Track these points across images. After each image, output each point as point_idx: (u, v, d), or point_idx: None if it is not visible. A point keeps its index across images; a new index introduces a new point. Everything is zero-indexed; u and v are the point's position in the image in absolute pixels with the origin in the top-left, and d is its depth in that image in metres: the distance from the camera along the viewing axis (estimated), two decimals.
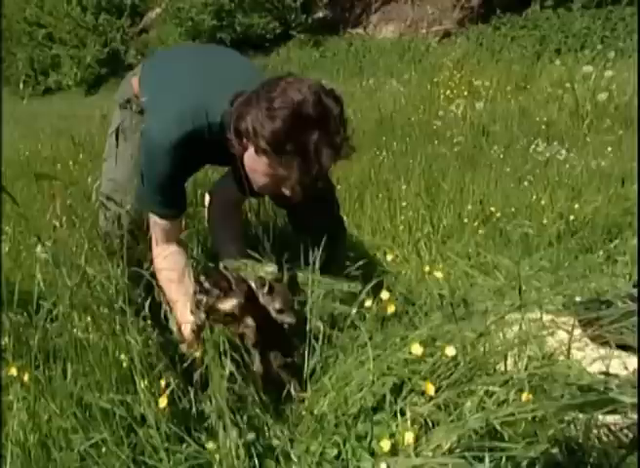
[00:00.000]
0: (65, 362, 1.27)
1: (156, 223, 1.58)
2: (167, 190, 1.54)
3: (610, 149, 4.02)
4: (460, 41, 10.11)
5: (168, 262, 1.57)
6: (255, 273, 1.51)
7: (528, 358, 1.13)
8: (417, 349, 1.17)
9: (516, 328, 1.20)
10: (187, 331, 1.45)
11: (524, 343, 1.14)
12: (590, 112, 4.75)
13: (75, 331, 1.31)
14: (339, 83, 8.61)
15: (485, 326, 1.16)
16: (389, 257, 1.48)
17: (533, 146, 4.26)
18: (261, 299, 1.41)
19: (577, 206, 2.72)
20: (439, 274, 1.41)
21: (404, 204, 2.69)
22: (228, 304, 1.35)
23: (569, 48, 7.30)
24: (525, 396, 1.07)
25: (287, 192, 1.43)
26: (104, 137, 1.91)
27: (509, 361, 1.20)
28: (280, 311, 1.41)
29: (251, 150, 1.39)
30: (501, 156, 4.02)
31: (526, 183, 3.27)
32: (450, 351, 1.14)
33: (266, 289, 1.41)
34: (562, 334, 1.29)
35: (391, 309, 1.35)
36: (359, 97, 6.62)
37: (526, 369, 1.09)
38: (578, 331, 1.27)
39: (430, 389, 1.11)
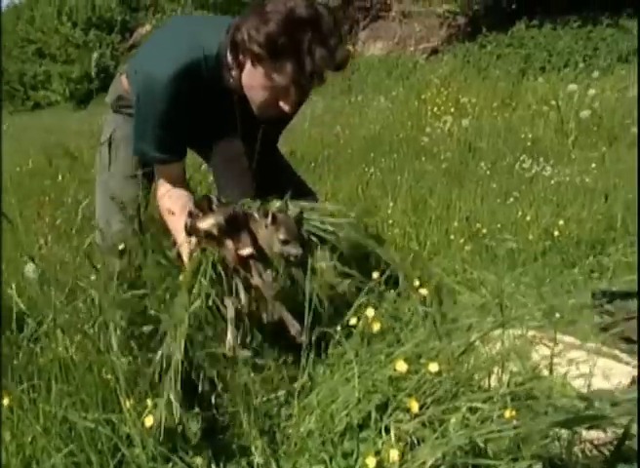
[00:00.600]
0: (50, 381, 1.26)
1: (158, 169, 1.64)
2: (165, 132, 1.55)
3: (594, 165, 4.08)
4: (447, 58, 10.25)
5: (170, 197, 1.62)
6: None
7: (511, 373, 1.14)
8: (401, 366, 1.18)
9: (501, 343, 1.21)
10: (185, 256, 1.49)
11: (506, 359, 1.15)
12: (574, 129, 4.83)
13: (60, 349, 1.30)
14: (327, 99, 8.70)
15: (468, 342, 1.18)
16: (375, 275, 1.49)
17: (519, 163, 4.32)
18: (264, 231, 1.41)
19: (561, 222, 2.75)
20: (424, 290, 1.43)
21: (390, 221, 2.71)
22: (206, 223, 1.39)
23: (553, 66, 7.43)
24: (508, 412, 1.08)
25: (285, 107, 1.47)
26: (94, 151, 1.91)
27: (494, 377, 1.22)
28: (285, 242, 1.39)
29: (247, 66, 1.45)
30: (488, 172, 4.06)
31: (512, 199, 3.31)
32: (433, 367, 1.15)
33: (270, 219, 1.40)
34: (547, 350, 1.30)
35: (376, 327, 1.36)
36: (347, 114, 6.68)
37: (508, 385, 1.10)
38: (560, 346, 1.28)
39: (414, 406, 1.12)
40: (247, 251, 1.40)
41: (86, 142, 5.46)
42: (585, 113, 4.90)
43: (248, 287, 1.44)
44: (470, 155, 4.66)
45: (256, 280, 1.43)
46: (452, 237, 2.57)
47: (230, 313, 1.42)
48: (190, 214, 1.44)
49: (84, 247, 1.75)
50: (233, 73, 1.50)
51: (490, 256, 2.37)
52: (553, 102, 5.21)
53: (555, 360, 1.25)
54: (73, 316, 1.38)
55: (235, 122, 1.63)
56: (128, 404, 1.20)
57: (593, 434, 1.18)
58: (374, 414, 1.20)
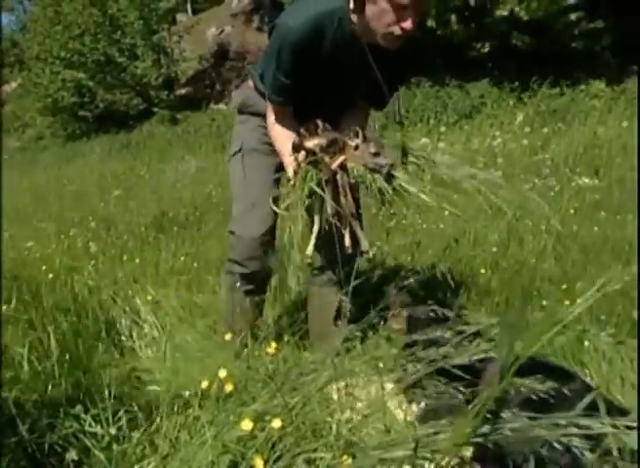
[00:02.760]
0: None
1: (271, 106, 1.83)
2: (285, 79, 1.71)
3: (447, 212, 4.47)
4: None
5: (278, 128, 1.82)
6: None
7: (340, 421, 1.25)
8: (247, 425, 1.26)
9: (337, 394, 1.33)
10: (290, 171, 1.75)
11: (342, 408, 1.26)
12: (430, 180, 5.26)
13: None
14: (201, 158, 8.77)
15: (307, 396, 1.28)
16: (228, 336, 1.57)
17: (382, 212, 4.62)
18: (357, 149, 1.65)
19: (418, 266, 2.99)
20: (271, 349, 1.53)
21: None
22: (311, 142, 1.69)
23: (410, 121, 8.14)
24: (345, 457, 1.19)
25: (407, 24, 1.58)
26: None
27: (334, 425, 1.32)
28: (376, 154, 1.63)
29: (368, 4, 1.60)
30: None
31: (375, 249, 3.53)
32: (276, 424, 1.24)
33: (361, 137, 1.65)
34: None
35: (229, 388, 1.43)
36: (221, 173, 6.78)
37: (339, 431, 1.21)
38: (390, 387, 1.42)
39: (259, 463, 1.19)
40: (336, 163, 1.66)
41: None
42: None
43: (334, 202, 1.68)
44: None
45: (341, 196, 1.67)
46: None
47: (316, 226, 1.73)
48: (299, 134, 1.74)
49: None
50: (356, 16, 1.64)
51: None
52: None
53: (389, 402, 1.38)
54: None
55: (350, 79, 1.79)
56: None
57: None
58: None
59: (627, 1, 6.91)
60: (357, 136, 1.66)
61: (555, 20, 7.06)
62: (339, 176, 1.67)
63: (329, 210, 1.66)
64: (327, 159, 1.67)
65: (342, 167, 1.68)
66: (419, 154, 1.79)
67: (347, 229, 1.72)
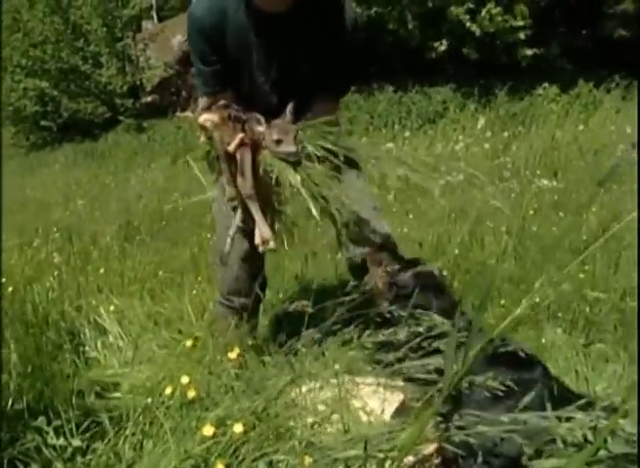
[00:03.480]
0: None
1: (201, 97, 1.81)
2: (204, 67, 1.72)
3: (411, 216, 4.53)
4: None
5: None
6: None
7: (304, 423, 1.28)
8: (208, 430, 1.27)
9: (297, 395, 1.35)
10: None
11: (298, 412, 1.29)
12: (394, 185, 5.34)
13: None
14: (167, 166, 8.71)
15: (268, 399, 1.30)
16: (189, 343, 1.59)
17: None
18: (262, 136, 1.57)
19: None
20: (233, 354, 1.55)
21: None
22: (202, 118, 1.65)
23: (374, 127, 8.24)
24: (305, 458, 1.21)
25: None
26: None
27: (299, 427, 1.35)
28: (278, 141, 1.53)
29: None
30: (319, 230, 4.33)
31: (339, 255, 3.56)
32: (237, 428, 1.26)
33: (263, 123, 1.57)
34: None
35: (192, 394, 1.45)
36: (189, 180, 6.74)
37: (302, 433, 1.24)
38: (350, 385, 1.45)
39: None
40: (232, 146, 1.57)
41: None
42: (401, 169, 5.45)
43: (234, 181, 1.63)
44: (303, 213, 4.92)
45: (238, 177, 1.59)
46: (281, 295, 2.74)
47: (237, 219, 1.68)
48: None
49: None
50: None
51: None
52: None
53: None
54: None
55: (266, 52, 1.71)
56: None
57: None
58: None
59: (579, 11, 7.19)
60: (259, 122, 1.58)
61: (505, 35, 7.31)
62: (238, 155, 1.59)
63: (227, 190, 1.64)
64: (217, 137, 1.62)
65: (254, 149, 1.59)
66: (344, 145, 1.65)
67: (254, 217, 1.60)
